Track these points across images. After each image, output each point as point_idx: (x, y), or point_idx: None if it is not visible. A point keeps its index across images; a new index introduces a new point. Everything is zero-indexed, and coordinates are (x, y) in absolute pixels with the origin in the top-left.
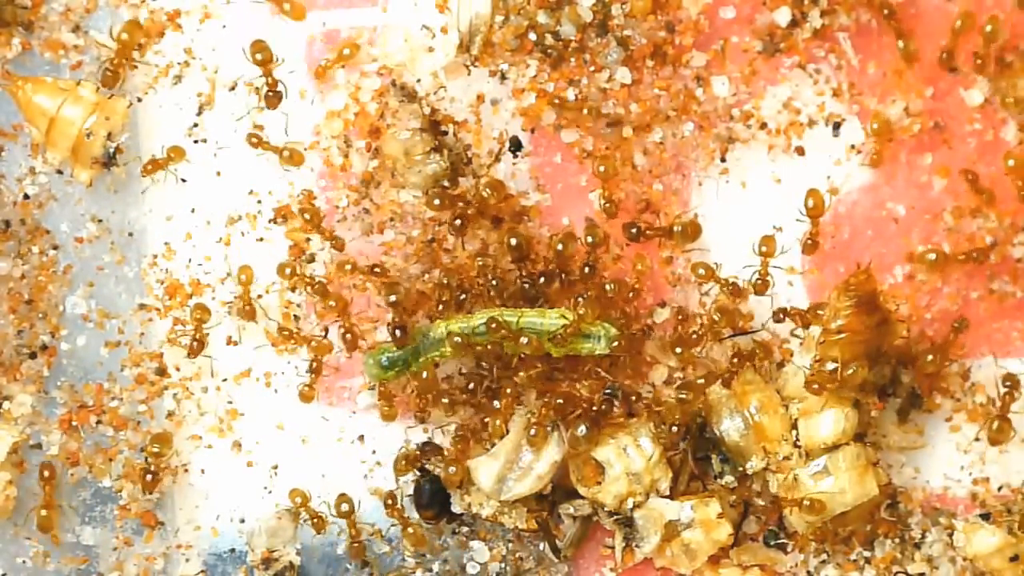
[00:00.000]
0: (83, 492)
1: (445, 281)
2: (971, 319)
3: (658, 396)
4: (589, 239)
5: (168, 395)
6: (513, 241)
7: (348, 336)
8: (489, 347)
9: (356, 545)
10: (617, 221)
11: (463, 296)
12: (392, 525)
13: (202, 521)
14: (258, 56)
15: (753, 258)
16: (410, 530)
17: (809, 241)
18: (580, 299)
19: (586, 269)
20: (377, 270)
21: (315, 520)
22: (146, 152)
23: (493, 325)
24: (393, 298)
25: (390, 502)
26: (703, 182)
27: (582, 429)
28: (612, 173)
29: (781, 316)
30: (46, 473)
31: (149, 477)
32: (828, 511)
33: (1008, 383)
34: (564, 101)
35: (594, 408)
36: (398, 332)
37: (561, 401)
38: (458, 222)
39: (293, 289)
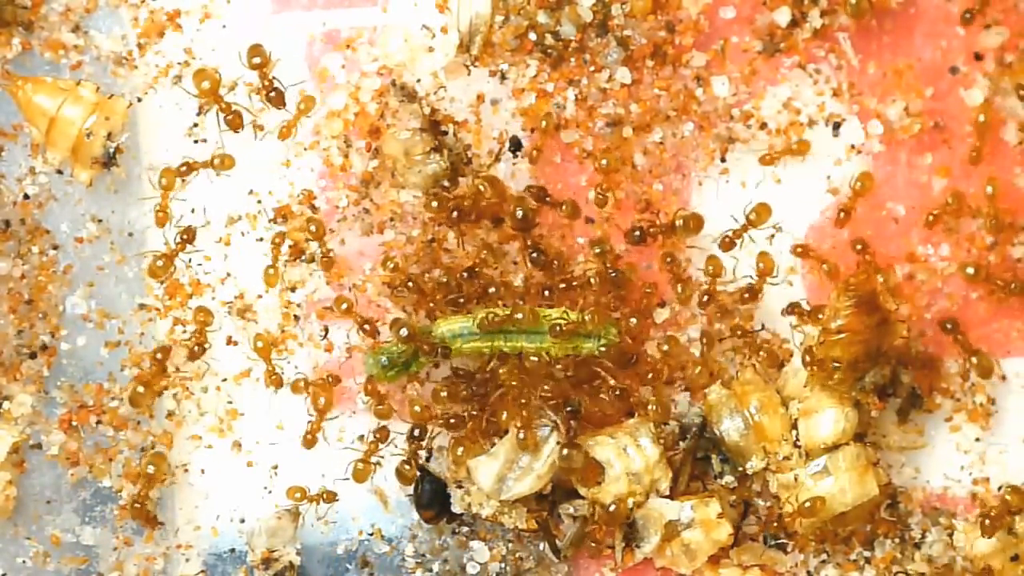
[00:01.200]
0: (83, 492)
1: (445, 281)
2: (971, 319)
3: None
4: (596, 250)
5: (168, 395)
6: (519, 213)
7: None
8: (488, 349)
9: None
10: (618, 221)
11: (461, 298)
12: (392, 524)
13: (202, 521)
14: (255, 60)
15: (752, 255)
16: (380, 406)
17: (727, 239)
18: (577, 290)
19: (612, 274)
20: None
21: (324, 495)
22: (146, 152)
23: (483, 313)
24: (404, 332)
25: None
26: (703, 182)
27: (564, 452)
28: (614, 167)
29: (791, 309)
30: (159, 355)
31: (137, 506)
32: (828, 511)
33: (949, 325)
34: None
35: (568, 429)
36: (403, 332)
37: (544, 397)
38: (455, 214)
39: (293, 290)
